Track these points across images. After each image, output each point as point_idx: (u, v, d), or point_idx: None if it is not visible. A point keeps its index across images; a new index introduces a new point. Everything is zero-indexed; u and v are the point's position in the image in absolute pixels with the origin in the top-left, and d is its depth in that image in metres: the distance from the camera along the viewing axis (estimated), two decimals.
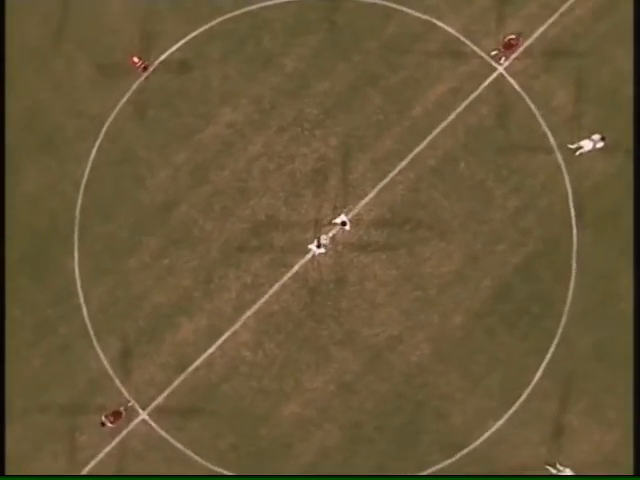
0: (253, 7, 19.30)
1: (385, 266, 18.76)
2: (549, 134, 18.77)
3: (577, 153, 18.44)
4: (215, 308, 18.84)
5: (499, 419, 18.43)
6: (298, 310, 18.76)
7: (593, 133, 18.12)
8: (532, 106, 18.80)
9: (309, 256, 18.59)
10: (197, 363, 18.60)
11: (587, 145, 18.11)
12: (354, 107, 19.07)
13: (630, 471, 16.78)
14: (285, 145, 18.99)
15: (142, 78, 18.84)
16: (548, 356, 18.52)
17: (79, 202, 19.14)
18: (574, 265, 18.75)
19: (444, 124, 18.90)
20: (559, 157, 18.80)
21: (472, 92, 18.77)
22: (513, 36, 18.54)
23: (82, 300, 18.62)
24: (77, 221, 18.97)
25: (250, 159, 19.09)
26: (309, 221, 18.82)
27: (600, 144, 17.96)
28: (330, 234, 18.90)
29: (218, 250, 18.93)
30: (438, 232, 18.79)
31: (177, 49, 19.19)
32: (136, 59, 18.30)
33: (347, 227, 18.25)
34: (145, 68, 18.77)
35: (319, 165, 18.96)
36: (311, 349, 18.63)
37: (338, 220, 18.30)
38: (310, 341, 18.64)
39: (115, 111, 19.01)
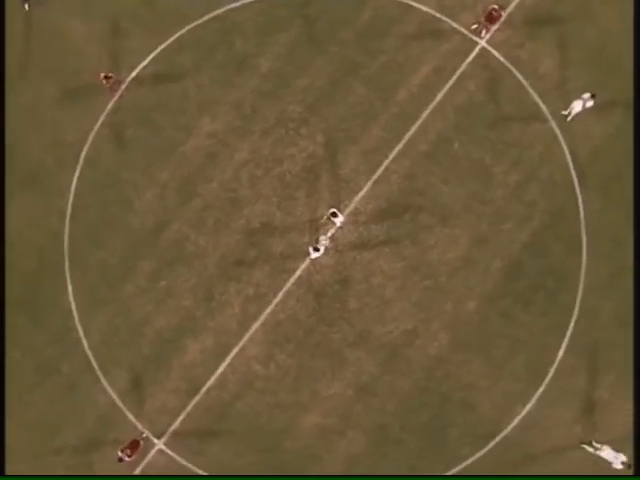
0: (220, 11, 18.46)
1: (390, 259, 18.02)
2: (540, 103, 18.03)
3: (569, 118, 17.68)
4: (220, 325, 18.05)
5: (528, 402, 17.68)
6: (306, 316, 17.99)
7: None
8: (520, 76, 18.07)
9: (310, 259, 17.78)
10: (209, 384, 17.76)
11: (577, 106, 17.39)
12: (337, 100, 18.37)
13: (630, 471, 16.35)
14: (271, 148, 18.28)
15: (116, 97, 17.99)
16: (569, 330, 17.77)
17: (66, 234, 18.34)
18: (584, 234, 17.99)
19: (432, 106, 18.18)
20: (554, 125, 18.09)
21: (456, 69, 18.08)
22: (495, 6, 17.75)
23: (82, 334, 17.81)
24: (67, 254, 18.18)
25: (237, 167, 18.35)
26: (306, 223, 18.11)
27: (590, 102, 17.22)
28: (329, 234, 18.14)
29: (215, 265, 18.19)
30: (440, 218, 18.06)
31: (148, 63, 18.50)
32: (103, 75, 17.40)
33: (339, 219, 17.27)
34: (116, 84, 17.89)
35: (309, 164, 18.26)
36: (324, 355, 17.85)
37: (328, 213, 17.26)
38: (322, 347, 17.86)
39: (91, 135, 18.24)
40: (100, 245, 18.21)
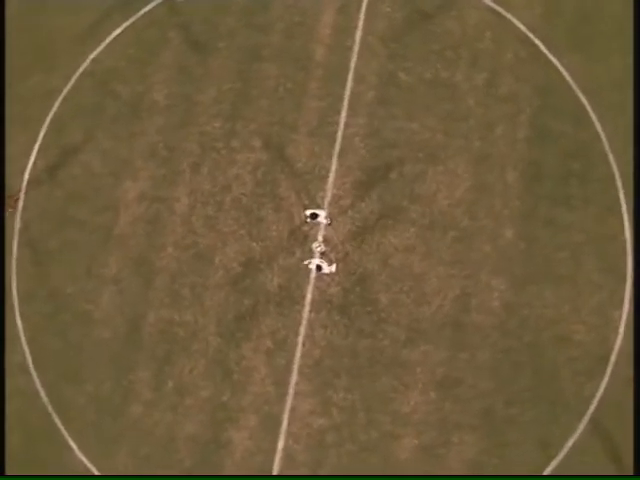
0: (87, 64, 15.33)
1: (398, 230, 15.18)
2: None
3: None
4: (255, 398, 14.83)
5: (621, 304, 14.60)
6: (342, 338, 14.90)
7: None
8: None
9: (315, 276, 14.74)
10: (276, 468, 14.11)
11: None
12: (254, 94, 15.77)
13: (630, 471, 13.64)
14: (210, 179, 15.55)
15: (19, 209, 14.59)
16: (624, 202, 14.56)
17: (39, 387, 14.96)
18: (582, 98, 14.92)
19: (355, 48, 15.44)
20: (491, 3, 15.09)
21: None
22: None
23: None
24: (51, 408, 14.61)
25: (184, 218, 15.48)
26: (289, 240, 15.25)
27: None
28: (319, 238, 15.13)
29: (216, 335, 15.03)
30: (427, 159, 15.37)
31: (35, 159, 15.56)
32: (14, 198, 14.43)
33: (322, 215, 14.47)
34: (11, 199, 14.51)
35: (259, 175, 15.55)
36: (383, 370, 14.74)
37: (306, 216, 14.50)
38: (376, 362, 14.77)
39: (13, 264, 14.63)
40: (80, 381, 14.95)
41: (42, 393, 14.86)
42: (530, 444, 14.45)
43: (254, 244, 15.27)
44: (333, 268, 14.77)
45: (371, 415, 14.63)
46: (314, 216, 14.33)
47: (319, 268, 14.27)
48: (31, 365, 15.03)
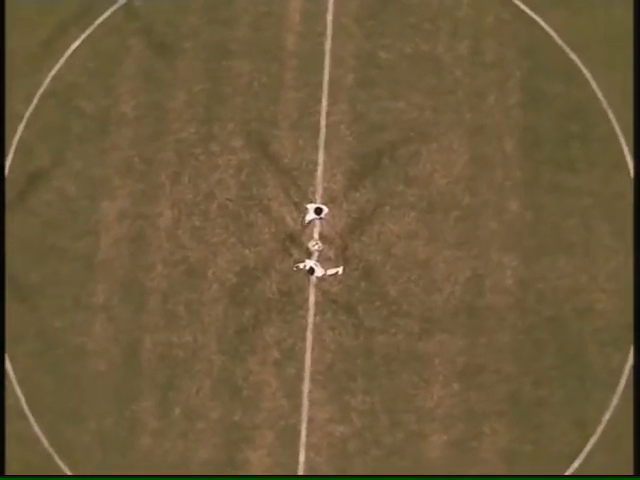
0: (47, 83, 14.35)
1: (397, 216, 14.29)
2: None
3: None
4: (268, 413, 13.87)
5: (629, 265, 13.84)
6: (353, 339, 13.97)
7: None
8: None
9: (316, 277, 13.86)
10: None
11: None
12: (227, 92, 14.83)
13: (630, 471, 12.92)
14: (192, 188, 14.57)
15: None
16: (630, 165, 13.86)
17: (38, 432, 13.90)
18: (572, 55, 14.17)
19: (329, 31, 14.58)
20: None
21: None
22: None
23: None
24: (53, 451, 13.73)
25: (169, 233, 14.47)
26: (283, 241, 14.30)
27: None
28: (315, 235, 14.27)
29: (218, 352, 14.06)
30: (419, 138, 14.51)
31: (6, 188, 14.31)
32: None
33: (324, 212, 13.36)
34: None
35: (243, 177, 14.56)
36: (400, 366, 13.85)
37: (309, 216, 13.38)
38: (392, 359, 13.88)
39: None
40: (80, 419, 13.90)
41: (42, 437, 13.76)
42: (564, 425, 13.62)
43: (247, 251, 14.29)
44: (340, 270, 13.83)
45: (394, 416, 13.74)
46: (319, 211, 13.18)
47: (312, 271, 13.08)
48: (26, 408, 13.94)
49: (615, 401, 13.58)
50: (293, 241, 14.31)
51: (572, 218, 14.19)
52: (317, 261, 13.70)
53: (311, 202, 13.91)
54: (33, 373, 13.97)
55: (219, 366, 14.00)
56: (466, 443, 13.67)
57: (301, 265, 13.54)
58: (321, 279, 13.93)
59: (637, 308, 13.98)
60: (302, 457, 13.70)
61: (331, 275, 13.84)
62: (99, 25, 15.18)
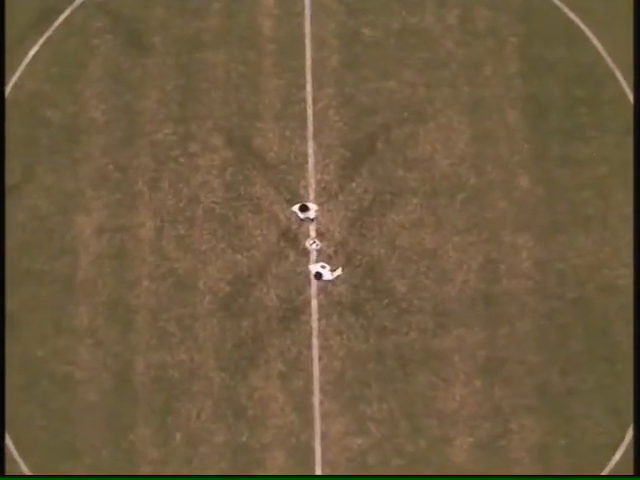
0: (8, 93, 13.68)
1: (399, 204, 13.24)
2: None
3: None
4: (278, 431, 12.70)
5: None
6: (362, 342, 12.92)
7: None
8: None
9: (325, 279, 12.80)
10: None
11: None
12: (203, 87, 13.77)
13: (630, 471, 12.07)
14: (174, 193, 13.48)
15: None
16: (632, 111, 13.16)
17: (30, 474, 12.62)
18: (571, 15, 13.43)
19: (307, 12, 13.75)
20: None
21: None
22: None
23: None
24: None
25: (152, 245, 13.34)
26: (278, 243, 13.17)
27: None
28: (312, 233, 13.18)
29: (218, 369, 12.91)
30: (414, 118, 13.49)
31: None
32: None
33: (312, 210, 12.43)
34: None
35: (229, 176, 13.49)
36: (416, 368, 12.76)
37: (300, 216, 12.45)
38: (406, 361, 12.78)
39: None
40: (75, 455, 12.63)
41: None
42: (598, 414, 12.56)
43: (239, 256, 13.15)
44: (339, 271, 12.69)
45: (414, 421, 12.64)
46: (304, 208, 12.05)
47: (319, 276, 11.98)
48: (15, 451, 12.64)
49: None
50: (288, 241, 13.19)
51: (586, 190, 13.20)
52: (318, 261, 12.48)
53: (297, 203, 12.78)
54: (19, 409, 12.70)
55: (219, 384, 12.84)
56: (494, 443, 12.57)
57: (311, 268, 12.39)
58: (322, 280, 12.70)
59: None
60: (318, 472, 12.50)
61: (329, 280, 12.68)
62: (58, 26, 13.94)
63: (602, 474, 12.40)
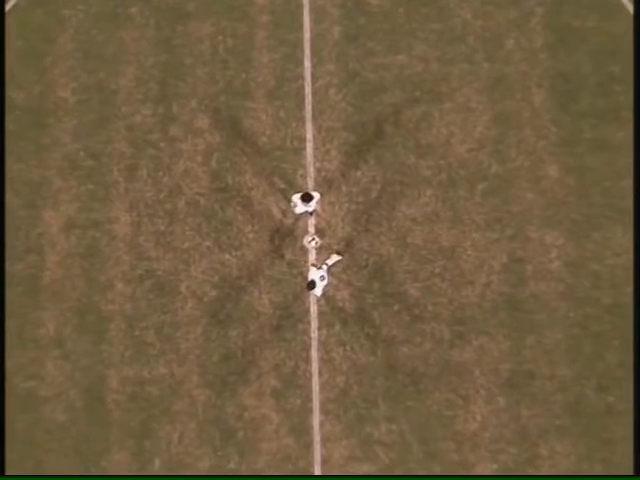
0: None
1: (411, 196, 11.71)
2: None
3: None
4: (273, 457, 11.23)
5: None
6: (368, 354, 11.47)
7: None
8: None
9: (311, 288, 11.07)
10: None
11: None
12: (187, 63, 12.19)
13: (630, 471, 11.16)
14: (153, 184, 11.92)
15: None
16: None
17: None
18: None
19: None
20: None
21: None
22: None
23: None
24: None
25: (130, 243, 11.78)
26: (272, 241, 11.67)
27: None
28: (311, 229, 11.68)
29: (203, 387, 11.39)
30: (428, 98, 11.93)
31: None
32: None
33: (314, 202, 10.80)
34: None
35: (214, 164, 11.94)
36: (432, 382, 11.29)
37: (299, 209, 10.96)
38: (420, 374, 11.30)
39: None
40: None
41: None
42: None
43: (227, 256, 11.64)
44: (336, 257, 11.19)
45: (428, 445, 11.20)
46: (307, 198, 10.36)
47: (312, 285, 10.27)
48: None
49: None
50: (284, 238, 11.78)
51: (624, 179, 11.67)
52: (318, 261, 10.83)
53: (297, 192, 11.15)
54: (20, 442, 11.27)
55: (204, 403, 11.38)
56: (521, 470, 11.21)
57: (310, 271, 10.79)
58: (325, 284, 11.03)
59: None
60: None
61: (333, 265, 11.13)
62: None
63: None
